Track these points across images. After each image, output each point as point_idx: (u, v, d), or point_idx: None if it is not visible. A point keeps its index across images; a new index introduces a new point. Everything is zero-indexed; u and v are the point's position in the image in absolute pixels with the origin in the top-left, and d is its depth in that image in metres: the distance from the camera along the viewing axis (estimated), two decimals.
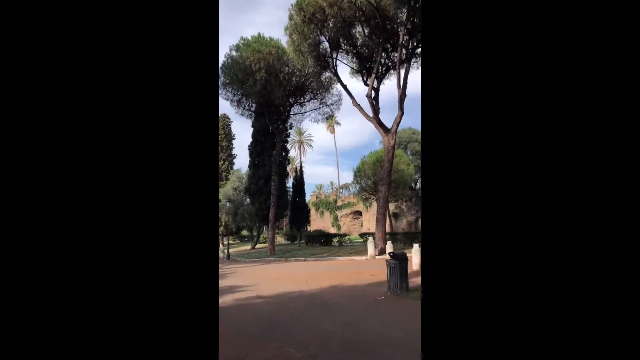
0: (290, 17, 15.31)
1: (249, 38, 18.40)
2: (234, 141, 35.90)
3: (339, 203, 36.28)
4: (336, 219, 34.53)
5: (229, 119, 35.25)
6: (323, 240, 23.66)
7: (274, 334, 4.07)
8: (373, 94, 15.97)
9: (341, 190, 43.33)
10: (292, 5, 15.02)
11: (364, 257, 14.21)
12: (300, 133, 49.86)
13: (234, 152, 35.74)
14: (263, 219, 23.32)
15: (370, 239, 14.85)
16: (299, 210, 25.80)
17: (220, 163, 32.72)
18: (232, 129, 35.63)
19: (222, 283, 8.62)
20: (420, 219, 20.29)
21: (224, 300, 6.31)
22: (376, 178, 22.47)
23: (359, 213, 33.79)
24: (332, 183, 56.20)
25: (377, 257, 13.90)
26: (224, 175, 32.34)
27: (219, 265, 14.52)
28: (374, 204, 28.61)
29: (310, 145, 56.08)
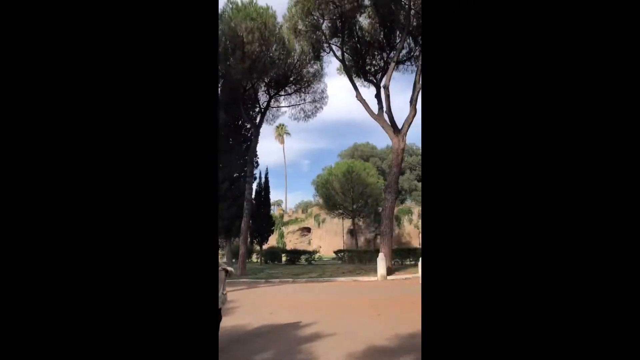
0: None
1: (239, 1, 14.70)
2: None
3: (286, 219, 33.38)
4: (282, 235, 31.68)
5: None
6: (289, 258, 20.62)
7: None
8: (375, 92, 15.14)
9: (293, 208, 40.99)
10: None
11: (372, 278, 11.79)
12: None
13: None
14: (227, 231, 18.57)
15: (381, 255, 12.20)
16: (262, 223, 20.78)
17: None
18: None
19: (234, 321, 5.70)
20: (379, 237, 17.51)
21: None
22: (344, 189, 22.59)
23: (307, 230, 31.54)
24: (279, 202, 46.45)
25: (388, 277, 11.71)
26: None
27: None
28: (328, 220, 27.95)
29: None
